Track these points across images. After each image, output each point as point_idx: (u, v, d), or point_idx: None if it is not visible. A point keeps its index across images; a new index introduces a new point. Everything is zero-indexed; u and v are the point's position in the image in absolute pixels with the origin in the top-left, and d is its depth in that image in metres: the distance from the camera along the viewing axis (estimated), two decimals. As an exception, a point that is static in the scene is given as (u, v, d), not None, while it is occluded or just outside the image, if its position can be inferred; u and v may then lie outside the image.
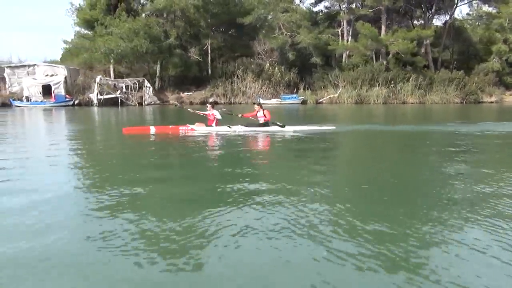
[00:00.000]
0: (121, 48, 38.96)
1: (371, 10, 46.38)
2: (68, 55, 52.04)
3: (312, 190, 5.32)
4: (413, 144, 11.03)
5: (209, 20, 43.78)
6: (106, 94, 38.72)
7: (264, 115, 12.99)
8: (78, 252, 3.39)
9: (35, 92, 37.96)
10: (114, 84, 41.14)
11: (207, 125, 12.97)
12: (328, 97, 42.92)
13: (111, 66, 46.29)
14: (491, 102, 44.14)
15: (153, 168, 7.27)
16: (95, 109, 34.48)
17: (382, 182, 6.10)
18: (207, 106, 13.60)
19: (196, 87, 45.07)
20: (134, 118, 23.87)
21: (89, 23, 44.00)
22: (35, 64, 39.67)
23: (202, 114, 13.52)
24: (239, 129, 12.76)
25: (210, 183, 5.86)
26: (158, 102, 41.24)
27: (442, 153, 9.14)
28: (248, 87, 43.22)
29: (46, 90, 38.36)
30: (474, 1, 52.49)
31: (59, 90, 38.08)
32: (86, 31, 46.58)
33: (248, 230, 3.86)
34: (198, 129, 12.72)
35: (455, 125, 15.96)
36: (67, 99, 37.32)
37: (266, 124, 12.96)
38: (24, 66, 39.64)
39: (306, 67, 47.62)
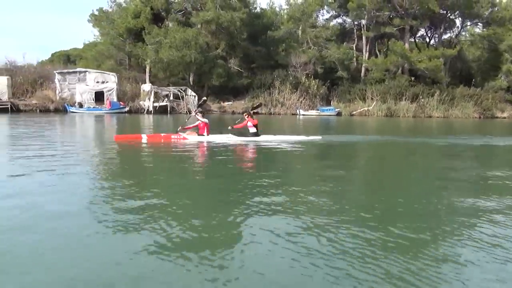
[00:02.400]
0: (172, 57, 40.54)
1: (395, 29, 50.31)
2: (93, 61, 52.86)
3: (324, 199, 5.52)
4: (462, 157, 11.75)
5: (245, 33, 46.00)
6: (160, 102, 40.09)
7: (254, 125, 13.26)
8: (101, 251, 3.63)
9: (88, 98, 38.80)
10: (158, 92, 42.54)
11: (198, 134, 13.13)
12: (362, 109, 46.08)
13: (146, 74, 47.66)
14: (504, 118, 48.76)
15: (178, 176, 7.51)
16: (151, 116, 35.87)
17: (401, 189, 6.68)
18: (197, 115, 13.43)
19: (234, 97, 47.15)
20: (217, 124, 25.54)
21: (130, 31, 45.29)
22: (86, 71, 40.52)
23: (192, 126, 13.53)
24: (230, 139, 13.11)
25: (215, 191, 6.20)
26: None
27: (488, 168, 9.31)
28: (286, 98, 45.65)
29: (97, 96, 39.30)
30: (477, 24, 57.52)
31: (112, 97, 39.12)
32: (121, 39, 47.74)
33: (266, 236, 4.07)
34: (190, 138, 12.85)
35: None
36: (121, 106, 38.39)
37: (256, 133, 13.27)
38: (75, 72, 40.38)
39: (332, 80, 50.71)
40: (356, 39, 56.15)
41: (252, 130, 13.28)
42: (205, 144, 12.46)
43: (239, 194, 5.86)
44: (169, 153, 10.79)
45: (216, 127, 17.13)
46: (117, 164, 8.98)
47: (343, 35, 57.67)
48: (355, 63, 54.42)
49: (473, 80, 52.80)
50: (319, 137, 14.33)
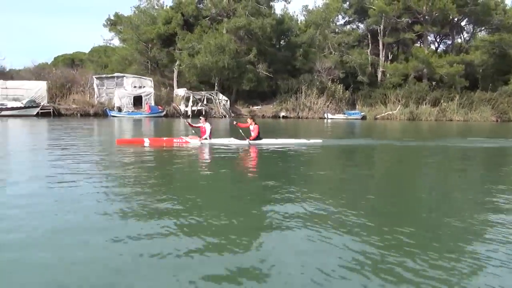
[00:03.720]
0: (206, 62, 41.88)
1: (415, 34, 52.44)
2: (116, 65, 53.85)
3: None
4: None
5: (274, 39, 47.59)
6: (195, 106, 41.36)
7: (255, 130, 13.63)
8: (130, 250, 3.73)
9: (126, 102, 39.87)
10: (190, 96, 43.80)
11: (200, 138, 13.33)
12: (386, 113, 47.97)
13: (174, 79, 48.94)
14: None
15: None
16: (188, 120, 37.15)
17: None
18: (200, 119, 13.87)
19: (261, 101, 48.63)
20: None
21: (160, 37, 46.54)
22: (124, 76, 41.62)
23: (195, 126, 13.91)
24: (232, 142, 13.43)
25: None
26: (233, 114, 44.30)
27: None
28: (313, 102, 47.27)
29: (135, 101, 40.44)
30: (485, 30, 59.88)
31: (150, 101, 40.27)
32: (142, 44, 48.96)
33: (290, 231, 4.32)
34: (191, 142, 13.06)
35: None
36: (160, 110, 39.54)
37: (257, 138, 13.57)
38: (113, 77, 41.43)
39: (353, 85, 52.53)
40: (370, 44, 58.11)
41: (254, 134, 13.57)
42: (208, 148, 12.54)
43: (256, 196, 6.09)
44: (189, 158, 10.82)
45: (234, 132, 18.10)
46: (151, 168, 9.00)
47: (357, 40, 59.69)
48: (369, 68, 56.34)
49: (479, 83, 54.49)
50: (320, 141, 14.63)
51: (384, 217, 5.04)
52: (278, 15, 54.19)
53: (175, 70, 48.71)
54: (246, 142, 13.28)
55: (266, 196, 6.06)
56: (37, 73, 49.10)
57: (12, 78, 45.55)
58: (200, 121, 13.64)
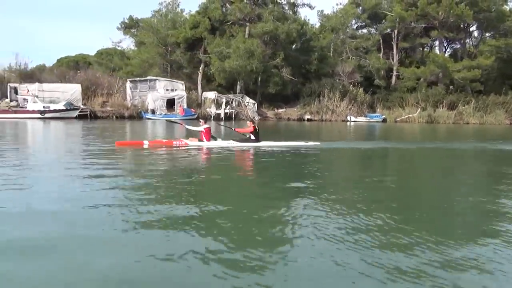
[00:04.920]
0: (235, 66, 43.20)
1: (430, 39, 54.48)
2: (136, 68, 54.83)
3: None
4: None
5: (299, 43, 49.13)
6: (224, 109, 42.64)
7: (255, 132, 13.92)
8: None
9: (160, 105, 40.99)
10: (217, 99, 45.07)
11: (199, 140, 13.66)
12: (406, 116, 49.78)
13: (199, 82, 50.16)
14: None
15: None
16: (221, 123, 38.52)
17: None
18: (200, 121, 14.36)
19: (285, 104, 50.10)
20: (284, 130, 28.53)
21: (187, 41, 47.79)
22: (157, 79, 42.77)
23: (196, 129, 14.17)
24: (231, 144, 13.72)
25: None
26: (259, 117, 45.65)
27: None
28: (336, 105, 48.86)
29: (168, 103, 41.62)
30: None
31: (183, 104, 41.46)
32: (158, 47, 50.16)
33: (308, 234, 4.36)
34: (191, 144, 13.34)
35: None
36: (193, 113, 40.71)
37: (257, 139, 13.91)
38: (146, 80, 42.54)
39: (371, 89, 54.33)
40: (382, 49, 59.98)
41: (253, 136, 13.89)
42: (208, 150, 12.75)
43: (256, 198, 6.28)
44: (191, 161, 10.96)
45: (271, 134, 19.58)
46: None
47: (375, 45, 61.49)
48: (382, 72, 58.13)
49: (483, 86, 56.31)
50: (318, 143, 14.83)
51: (406, 217, 5.13)
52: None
53: (199, 73, 49.95)
54: (245, 144, 13.53)
55: (269, 197, 6.23)
56: (61, 75, 49.97)
57: (38, 81, 46.31)
58: (200, 123, 13.97)
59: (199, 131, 13.85)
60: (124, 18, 66.06)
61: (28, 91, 36.48)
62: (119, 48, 69.90)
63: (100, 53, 75.66)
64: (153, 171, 8.45)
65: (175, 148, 12.91)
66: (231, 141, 13.97)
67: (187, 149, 12.78)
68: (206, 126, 13.70)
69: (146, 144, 13.10)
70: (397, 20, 53.75)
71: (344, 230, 4.51)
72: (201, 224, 4.69)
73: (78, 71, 50.11)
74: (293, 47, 48.66)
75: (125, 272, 3.39)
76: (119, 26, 67.26)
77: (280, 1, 49.10)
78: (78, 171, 8.19)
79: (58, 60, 79.96)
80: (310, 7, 50.83)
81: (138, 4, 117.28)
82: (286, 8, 48.07)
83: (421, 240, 4.23)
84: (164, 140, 14.05)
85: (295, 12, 48.86)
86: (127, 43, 79.40)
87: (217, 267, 3.48)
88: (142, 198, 5.91)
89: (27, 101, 36.42)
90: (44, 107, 35.27)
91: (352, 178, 8.70)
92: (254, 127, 13.95)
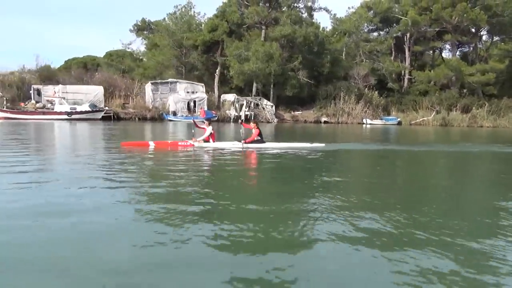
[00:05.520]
0: (254, 69, 43.94)
1: (444, 44, 55.33)
2: (151, 70, 55.53)
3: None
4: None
5: (316, 47, 49.88)
6: (243, 111, 43.41)
7: (255, 133, 13.89)
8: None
9: (181, 107, 41.68)
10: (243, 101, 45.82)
11: (205, 141, 13.61)
12: (421, 119, 50.56)
13: (215, 84, 50.88)
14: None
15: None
16: (241, 130, 39.31)
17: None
18: (204, 122, 14.57)
19: (301, 107, 50.84)
20: (302, 131, 29.38)
21: (205, 44, 48.53)
22: (177, 81, 43.52)
23: (200, 127, 14.32)
24: (236, 145, 13.58)
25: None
26: (277, 119, 46.38)
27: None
28: (351, 108, 49.62)
29: (189, 105, 42.34)
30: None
31: (203, 106, 42.16)
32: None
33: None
34: (196, 145, 13.33)
35: None
36: (214, 115, 41.39)
37: (261, 140, 13.97)
38: (167, 82, 43.27)
39: (385, 92, 55.12)
40: (393, 52, 60.82)
41: (257, 137, 13.87)
42: (212, 151, 12.75)
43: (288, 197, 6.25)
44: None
45: (289, 136, 19.41)
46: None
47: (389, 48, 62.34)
48: (393, 75, 58.98)
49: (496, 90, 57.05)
50: (323, 145, 14.78)
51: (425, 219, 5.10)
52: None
53: (216, 76, 50.67)
54: (250, 145, 13.48)
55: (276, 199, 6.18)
56: (78, 76, 50.67)
57: (57, 82, 46.96)
58: (204, 124, 14.09)
59: (203, 128, 13.98)
60: (137, 21, 67.10)
61: (55, 92, 37.10)
62: (129, 50, 70.78)
63: (109, 54, 76.23)
64: (172, 171, 8.60)
65: (180, 149, 12.89)
66: (236, 142, 13.86)
67: (192, 150, 12.84)
68: (210, 128, 13.77)
69: (151, 145, 13.01)
70: (410, 24, 54.57)
71: (360, 230, 4.54)
72: (213, 223, 4.67)
73: (96, 73, 50.80)
74: (314, 50, 49.20)
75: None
76: (132, 28, 68.22)
77: (297, 5, 49.91)
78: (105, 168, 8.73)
79: (66, 62, 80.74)
80: (327, 11, 51.82)
81: (139, 6, 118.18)
82: (303, 12, 48.77)
83: (437, 239, 4.28)
84: (169, 141, 14.12)
85: (311, 16, 49.52)
86: (137, 45, 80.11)
87: (229, 270, 3.45)
88: (163, 194, 6.14)
89: (53, 103, 37.09)
90: (70, 108, 35.92)
91: (366, 179, 8.75)
92: (258, 128, 13.96)
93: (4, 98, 35.28)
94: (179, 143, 13.48)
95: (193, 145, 13.21)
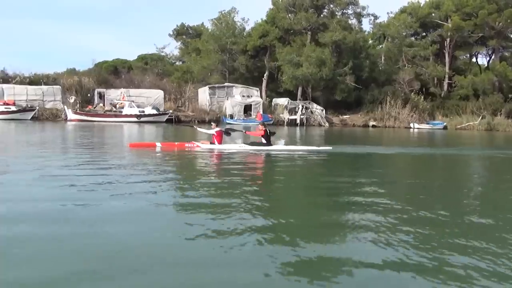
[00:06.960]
0: (306, 74, 45.33)
1: (488, 49, 56.40)
2: (198, 74, 57.05)
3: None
4: None
5: (364, 52, 51.11)
6: (294, 115, 44.88)
7: (266, 135, 14.14)
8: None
9: (238, 110, 43.22)
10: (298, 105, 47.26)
11: (211, 143, 14.03)
12: (467, 124, 51.57)
13: (263, 88, 52.34)
14: None
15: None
16: (297, 128, 40.85)
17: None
18: (212, 125, 14.93)
19: (347, 111, 52.12)
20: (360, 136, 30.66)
21: (255, 49, 50.14)
22: (233, 86, 45.16)
23: (208, 132, 14.82)
24: (243, 148, 13.88)
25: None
26: (327, 123, 47.68)
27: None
28: (398, 112, 50.77)
29: (245, 109, 43.92)
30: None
31: (259, 109, 43.65)
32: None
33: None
34: (202, 146, 13.72)
35: None
36: (270, 118, 42.80)
37: (269, 143, 14.13)
38: (223, 87, 44.92)
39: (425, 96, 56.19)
40: (434, 57, 61.82)
41: (264, 140, 14.12)
42: (219, 152, 13.19)
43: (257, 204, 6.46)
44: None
45: (337, 139, 20.22)
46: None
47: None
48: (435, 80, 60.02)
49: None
50: (330, 148, 15.16)
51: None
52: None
53: (263, 80, 52.16)
54: (257, 147, 13.87)
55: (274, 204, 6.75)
56: (129, 80, 52.44)
57: (112, 86, 48.62)
58: (212, 127, 14.49)
59: (211, 134, 14.31)
60: (176, 25, 69.14)
61: (124, 96, 38.78)
62: (162, 54, 72.65)
63: (141, 57, 77.85)
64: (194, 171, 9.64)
65: (187, 151, 13.43)
66: (242, 144, 14.10)
67: (199, 151, 13.38)
68: (217, 129, 14.08)
69: (158, 146, 13.53)
70: (453, 29, 55.64)
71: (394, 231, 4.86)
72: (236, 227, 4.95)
73: (147, 77, 52.49)
74: (362, 55, 50.51)
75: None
76: (171, 33, 70.28)
77: (346, 11, 51.30)
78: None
79: (96, 65, 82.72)
80: (375, 17, 52.94)
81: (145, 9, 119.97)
82: (352, 17, 50.17)
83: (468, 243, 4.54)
84: (176, 143, 14.47)
85: (360, 22, 50.92)
86: (171, 49, 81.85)
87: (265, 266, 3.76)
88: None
89: (116, 106, 38.79)
90: (139, 111, 37.56)
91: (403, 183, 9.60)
92: (265, 130, 14.08)
93: (77, 101, 36.99)
94: (186, 145, 13.85)
95: (199, 146, 13.66)
